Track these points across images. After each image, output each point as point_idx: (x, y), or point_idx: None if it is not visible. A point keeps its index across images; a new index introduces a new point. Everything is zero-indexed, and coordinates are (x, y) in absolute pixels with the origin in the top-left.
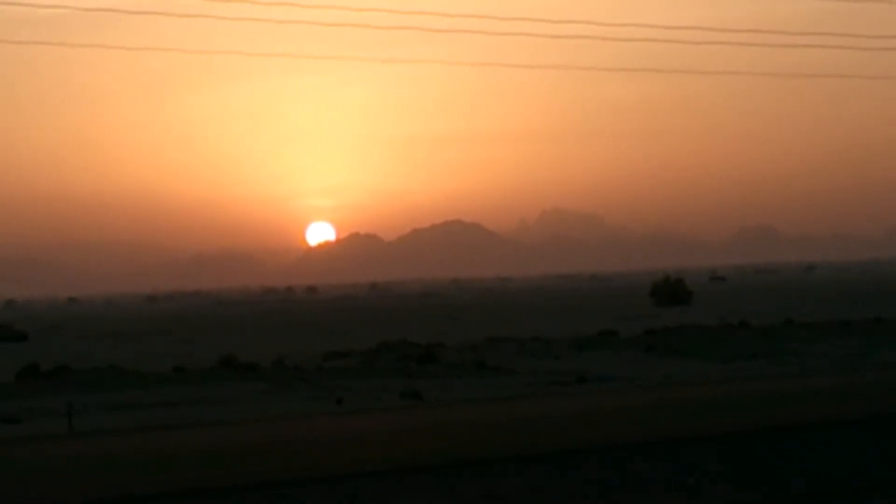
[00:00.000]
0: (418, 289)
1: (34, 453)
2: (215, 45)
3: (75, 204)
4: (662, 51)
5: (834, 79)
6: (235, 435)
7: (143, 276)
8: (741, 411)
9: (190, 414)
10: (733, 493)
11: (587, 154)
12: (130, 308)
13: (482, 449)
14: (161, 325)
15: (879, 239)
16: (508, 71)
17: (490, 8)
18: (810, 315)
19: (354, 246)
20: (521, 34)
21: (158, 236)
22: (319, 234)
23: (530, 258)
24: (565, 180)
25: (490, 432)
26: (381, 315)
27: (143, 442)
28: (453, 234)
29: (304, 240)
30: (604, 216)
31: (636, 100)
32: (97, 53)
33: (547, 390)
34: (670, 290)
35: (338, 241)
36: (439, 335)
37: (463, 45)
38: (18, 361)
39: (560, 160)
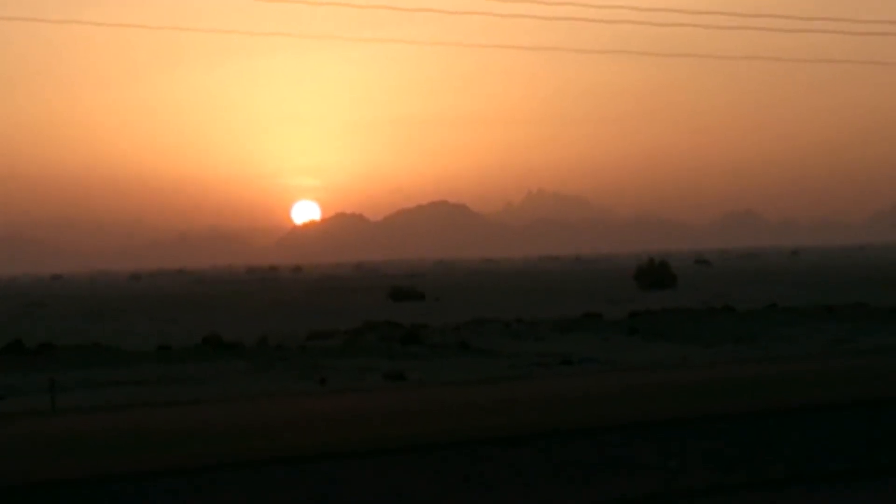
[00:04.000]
0: (403, 269)
1: (16, 430)
2: (204, 23)
3: (61, 182)
4: (650, 34)
5: (820, 64)
6: (218, 414)
7: (128, 255)
8: (723, 395)
9: (173, 392)
10: (714, 475)
11: (573, 137)
12: (115, 286)
13: (464, 430)
14: (145, 303)
15: (863, 224)
16: (496, 53)
17: None
18: (794, 300)
19: (340, 225)
20: (509, 16)
21: (144, 215)
22: (305, 213)
23: (515, 240)
24: (551, 163)
25: (473, 413)
26: (365, 295)
27: (125, 420)
28: (439, 215)
29: (289, 219)
30: (589, 199)
31: (623, 83)
32: (83, 30)
33: (530, 372)
34: (655, 274)
35: (323, 220)
36: (423, 316)
37: (451, 27)
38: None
39: (546, 143)
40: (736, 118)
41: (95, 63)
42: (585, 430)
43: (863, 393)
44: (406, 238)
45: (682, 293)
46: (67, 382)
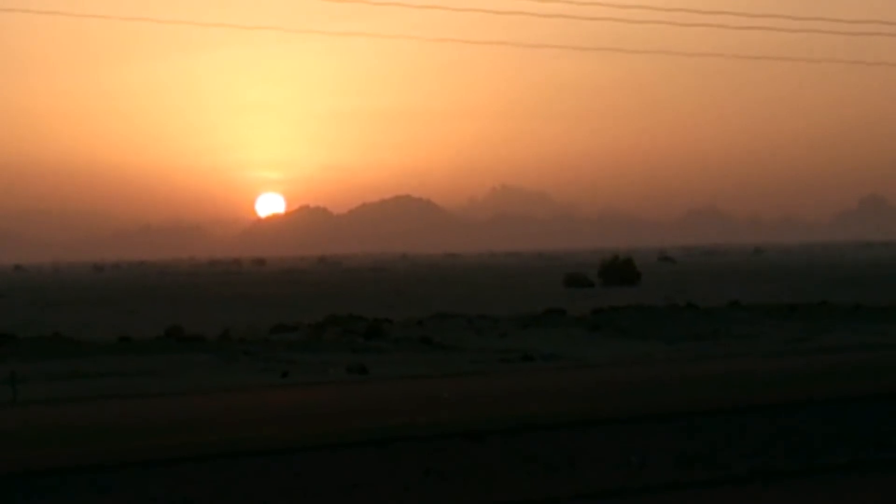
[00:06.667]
0: (367, 263)
1: None
2: (172, 14)
3: (22, 173)
4: (614, 30)
5: (786, 63)
6: (179, 407)
7: (91, 246)
8: (684, 392)
9: (134, 385)
10: (675, 472)
11: (537, 132)
12: (77, 277)
13: (426, 425)
14: (107, 294)
15: (827, 223)
16: (461, 47)
17: None
18: (756, 297)
19: (303, 219)
20: (474, 10)
21: (107, 206)
22: (268, 206)
23: (479, 235)
24: (515, 158)
25: (434, 408)
26: (328, 289)
27: (86, 411)
28: (403, 209)
29: (253, 211)
30: (553, 194)
31: (587, 79)
32: (42, 20)
33: (493, 368)
34: (619, 270)
35: (287, 213)
36: (387, 310)
37: (416, 20)
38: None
39: (510, 138)
40: (701, 115)
41: (63, 54)
42: (546, 426)
43: (823, 391)
44: (370, 232)
45: (645, 290)
46: (29, 374)
